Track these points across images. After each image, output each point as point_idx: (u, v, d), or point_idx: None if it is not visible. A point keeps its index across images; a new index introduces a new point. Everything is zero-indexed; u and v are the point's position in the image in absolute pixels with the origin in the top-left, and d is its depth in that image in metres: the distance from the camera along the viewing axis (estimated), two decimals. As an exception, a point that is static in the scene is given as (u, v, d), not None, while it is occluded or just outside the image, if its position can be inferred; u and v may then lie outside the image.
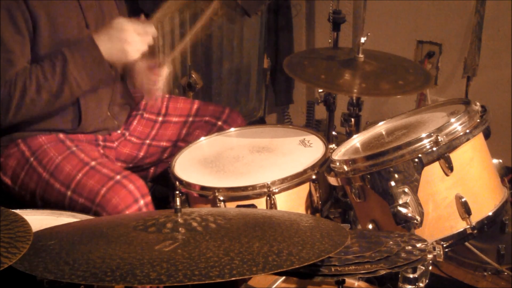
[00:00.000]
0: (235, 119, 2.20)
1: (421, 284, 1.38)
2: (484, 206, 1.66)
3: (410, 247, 1.33)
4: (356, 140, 1.88)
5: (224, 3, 2.91)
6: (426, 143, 1.60)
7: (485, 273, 2.40)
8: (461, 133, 1.62)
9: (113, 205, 1.77)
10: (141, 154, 2.15)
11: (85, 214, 1.66)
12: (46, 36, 1.83)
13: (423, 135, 1.61)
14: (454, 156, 1.61)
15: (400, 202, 1.59)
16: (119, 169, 1.90)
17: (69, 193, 1.83)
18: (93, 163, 1.87)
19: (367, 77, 2.00)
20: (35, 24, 1.81)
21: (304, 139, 1.99)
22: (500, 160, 1.76)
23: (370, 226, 1.70)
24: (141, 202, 1.79)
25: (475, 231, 1.64)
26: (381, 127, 1.92)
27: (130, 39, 1.85)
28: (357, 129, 2.15)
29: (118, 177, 1.82)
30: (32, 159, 1.89)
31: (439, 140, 1.59)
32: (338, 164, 1.72)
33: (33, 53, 1.83)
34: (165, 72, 2.06)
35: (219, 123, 2.18)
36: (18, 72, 1.79)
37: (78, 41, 1.87)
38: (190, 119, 2.21)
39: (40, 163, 1.88)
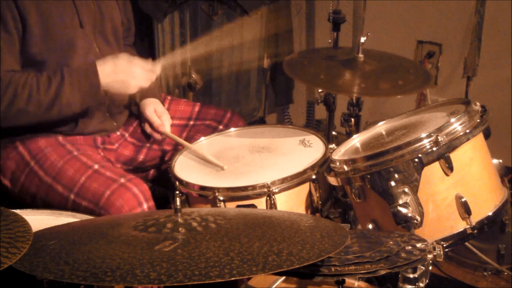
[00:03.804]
0: (236, 123, 2.19)
1: (421, 284, 1.38)
2: (484, 206, 1.66)
3: (410, 247, 1.33)
4: (356, 140, 1.88)
5: (224, 3, 2.91)
6: (426, 143, 1.60)
7: (485, 273, 2.39)
8: (461, 133, 1.62)
9: (117, 207, 1.77)
10: (141, 157, 2.14)
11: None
12: (37, 35, 1.81)
13: (423, 135, 1.61)
14: (454, 156, 1.61)
15: (400, 202, 1.59)
16: (123, 172, 1.90)
17: (72, 196, 1.82)
18: (96, 166, 1.86)
19: (367, 77, 2.00)
20: (24, 23, 1.79)
21: (304, 139, 1.99)
22: (500, 160, 1.76)
23: (370, 226, 1.69)
24: (145, 205, 1.79)
25: (475, 231, 1.64)
26: (381, 127, 1.92)
27: (136, 73, 1.88)
28: (357, 129, 2.15)
29: (122, 180, 1.81)
30: (32, 162, 1.88)
31: (439, 140, 1.59)
32: (338, 164, 1.72)
33: (25, 53, 1.82)
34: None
35: (221, 127, 2.17)
36: (11, 77, 1.78)
37: (71, 41, 1.87)
38: (191, 122, 2.20)
39: (41, 167, 1.87)
